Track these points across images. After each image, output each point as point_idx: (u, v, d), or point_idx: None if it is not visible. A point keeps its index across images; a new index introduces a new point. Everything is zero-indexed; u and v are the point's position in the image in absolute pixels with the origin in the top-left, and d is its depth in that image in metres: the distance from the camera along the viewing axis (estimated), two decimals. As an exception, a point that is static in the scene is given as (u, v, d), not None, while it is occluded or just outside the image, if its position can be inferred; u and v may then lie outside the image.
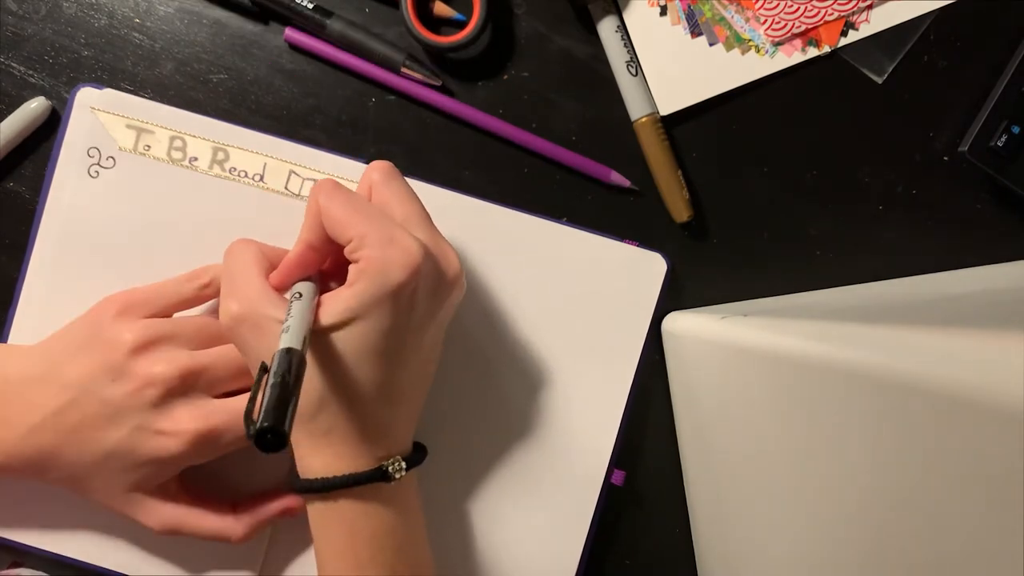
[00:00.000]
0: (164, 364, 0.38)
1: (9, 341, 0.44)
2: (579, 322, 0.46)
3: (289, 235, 0.44)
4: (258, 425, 0.28)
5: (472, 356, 0.46)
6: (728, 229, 0.48)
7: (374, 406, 0.36)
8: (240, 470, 0.44)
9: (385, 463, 0.37)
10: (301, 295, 0.35)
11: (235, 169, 0.44)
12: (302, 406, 0.35)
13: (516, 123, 0.47)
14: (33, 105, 0.45)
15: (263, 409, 0.29)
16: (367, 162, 0.45)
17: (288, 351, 0.31)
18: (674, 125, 0.48)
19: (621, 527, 0.48)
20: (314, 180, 0.44)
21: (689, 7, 0.47)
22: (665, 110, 0.47)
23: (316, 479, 0.36)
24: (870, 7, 0.46)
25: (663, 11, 0.47)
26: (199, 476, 0.41)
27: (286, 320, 0.33)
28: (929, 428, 0.26)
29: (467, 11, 0.46)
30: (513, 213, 0.46)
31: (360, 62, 0.46)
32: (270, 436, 0.28)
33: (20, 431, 0.38)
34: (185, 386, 0.38)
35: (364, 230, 0.35)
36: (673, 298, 0.48)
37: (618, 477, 0.46)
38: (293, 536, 0.45)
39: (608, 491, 0.46)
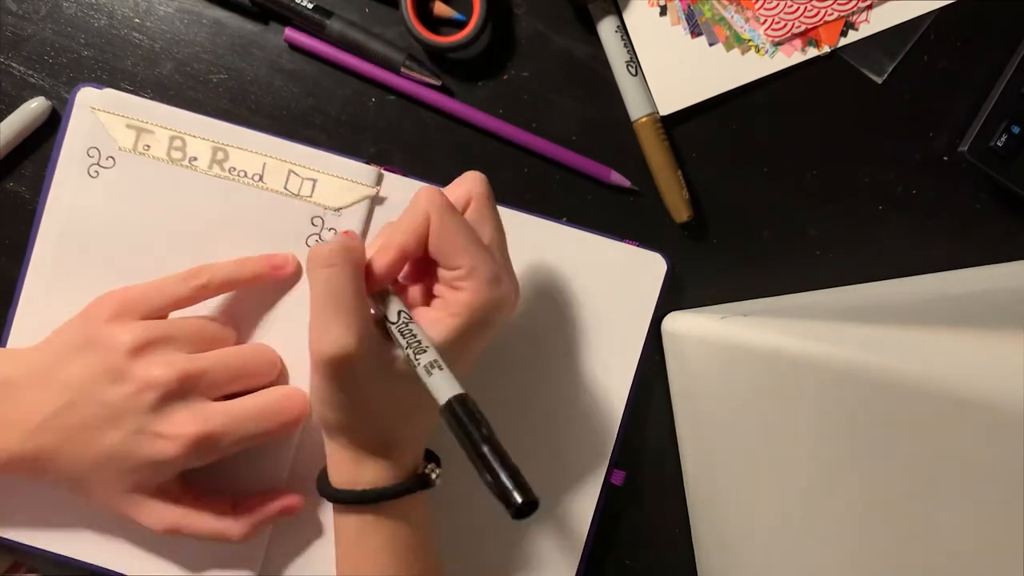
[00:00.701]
0: (163, 367, 0.38)
1: (9, 341, 0.44)
2: (579, 322, 0.46)
3: (289, 235, 0.44)
4: (520, 504, 0.30)
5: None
6: (728, 229, 0.48)
7: (418, 420, 0.38)
8: (239, 470, 0.44)
9: (424, 470, 0.39)
10: (403, 318, 0.35)
11: (235, 169, 0.44)
12: (366, 425, 0.37)
13: (516, 123, 0.47)
14: (33, 105, 0.45)
15: (510, 488, 0.30)
16: (367, 162, 0.45)
17: (463, 400, 0.32)
18: (674, 125, 0.48)
19: (621, 527, 0.48)
20: (313, 180, 0.44)
21: (689, 7, 0.47)
22: (665, 110, 0.47)
23: (369, 490, 0.37)
24: (870, 7, 0.46)
25: (663, 11, 0.47)
26: (199, 476, 0.41)
27: (424, 365, 0.33)
28: (929, 428, 0.26)
29: (467, 11, 0.46)
30: (513, 213, 0.46)
31: (360, 62, 0.46)
32: (528, 508, 0.30)
33: (20, 432, 0.38)
34: (184, 389, 0.38)
35: (475, 263, 0.35)
36: (673, 298, 0.48)
37: (618, 477, 0.46)
38: (293, 536, 0.45)
39: (608, 491, 0.46)
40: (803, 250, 0.48)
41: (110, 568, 0.44)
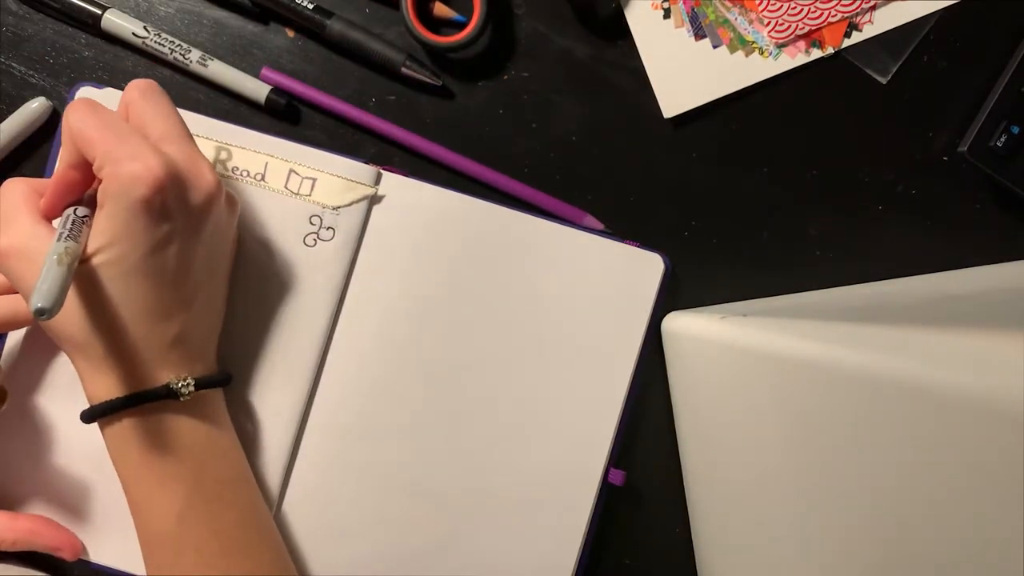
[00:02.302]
0: None
1: (8, 342, 0.44)
2: (577, 321, 0.46)
3: (287, 233, 0.44)
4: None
5: (471, 355, 0.46)
6: (728, 229, 0.48)
7: (150, 326, 0.37)
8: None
9: (173, 382, 0.37)
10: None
11: (237, 168, 0.44)
12: (74, 333, 0.36)
13: (516, 123, 0.47)
14: (34, 105, 0.45)
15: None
16: (367, 162, 0.45)
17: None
18: (675, 124, 0.48)
19: (621, 527, 0.48)
20: (313, 179, 0.44)
21: (692, 9, 0.47)
22: (669, 113, 0.47)
23: (99, 404, 0.37)
24: (873, 8, 0.46)
25: (667, 14, 0.47)
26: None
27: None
28: (929, 428, 0.26)
29: (467, 12, 0.46)
30: (513, 213, 0.46)
31: (337, 102, 0.46)
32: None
33: None
34: None
35: (108, 147, 0.35)
36: (672, 298, 0.48)
37: (617, 477, 0.46)
38: (293, 536, 0.45)
39: (607, 491, 0.46)
40: (803, 250, 0.48)
41: (108, 565, 0.44)
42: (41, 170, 0.45)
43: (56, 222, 0.37)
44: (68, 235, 0.34)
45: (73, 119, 0.36)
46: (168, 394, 0.37)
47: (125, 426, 0.37)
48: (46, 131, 0.46)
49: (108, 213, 0.35)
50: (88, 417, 0.37)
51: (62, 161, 0.37)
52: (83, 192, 0.38)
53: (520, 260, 0.46)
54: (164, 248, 0.36)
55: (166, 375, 0.38)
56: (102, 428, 0.38)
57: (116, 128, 0.36)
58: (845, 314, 0.39)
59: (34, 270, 0.34)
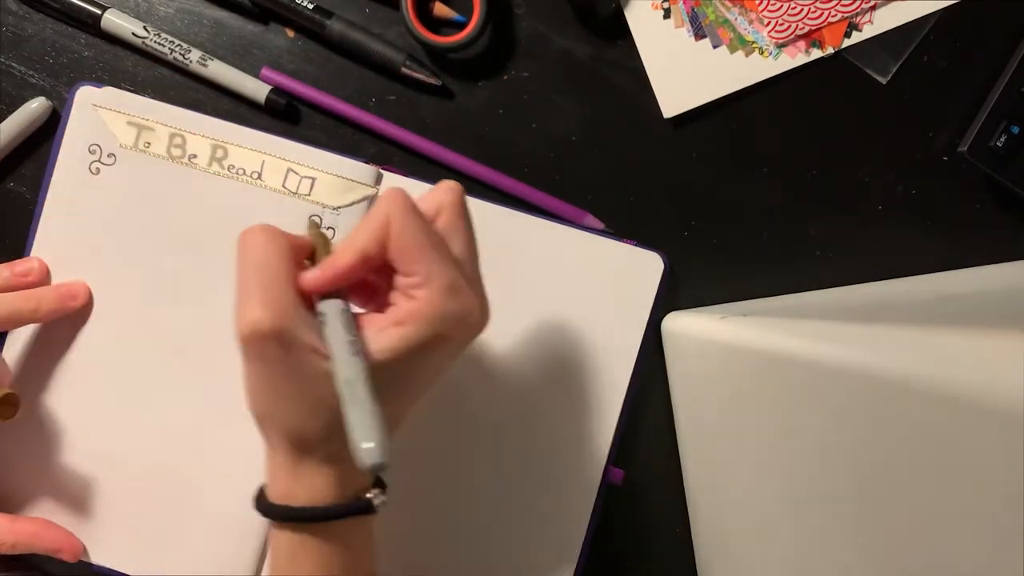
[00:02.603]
0: None
1: (9, 338, 0.44)
2: (577, 320, 0.46)
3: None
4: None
5: (470, 355, 0.46)
6: (728, 229, 0.48)
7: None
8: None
9: (367, 494, 0.35)
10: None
11: (233, 167, 0.44)
12: (320, 429, 0.33)
13: (516, 123, 0.47)
14: (34, 105, 0.45)
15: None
16: (367, 162, 0.45)
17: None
18: (675, 124, 0.48)
19: (620, 527, 0.48)
20: (312, 178, 0.44)
21: (693, 10, 0.47)
22: (669, 113, 0.47)
23: (301, 508, 0.34)
24: (873, 8, 0.46)
25: (667, 14, 0.47)
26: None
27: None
28: (929, 428, 0.26)
29: (467, 11, 0.46)
30: (513, 212, 0.46)
31: (335, 101, 0.46)
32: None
33: None
34: None
35: (432, 270, 0.32)
36: (672, 298, 0.48)
37: (617, 476, 0.46)
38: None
39: (607, 490, 0.46)
40: (803, 250, 0.48)
41: (106, 566, 0.44)
42: (41, 170, 0.45)
43: (330, 315, 0.32)
44: (355, 350, 0.31)
45: (398, 220, 0.32)
46: (367, 508, 0.35)
47: (308, 537, 0.34)
48: (46, 131, 0.46)
49: (408, 336, 0.32)
50: (295, 518, 0.34)
51: (359, 250, 0.32)
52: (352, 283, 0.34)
53: (520, 259, 0.46)
54: (428, 376, 0.35)
55: (358, 488, 0.35)
56: (275, 525, 0.35)
57: (441, 252, 0.33)
58: (845, 314, 0.39)
59: (291, 371, 0.31)
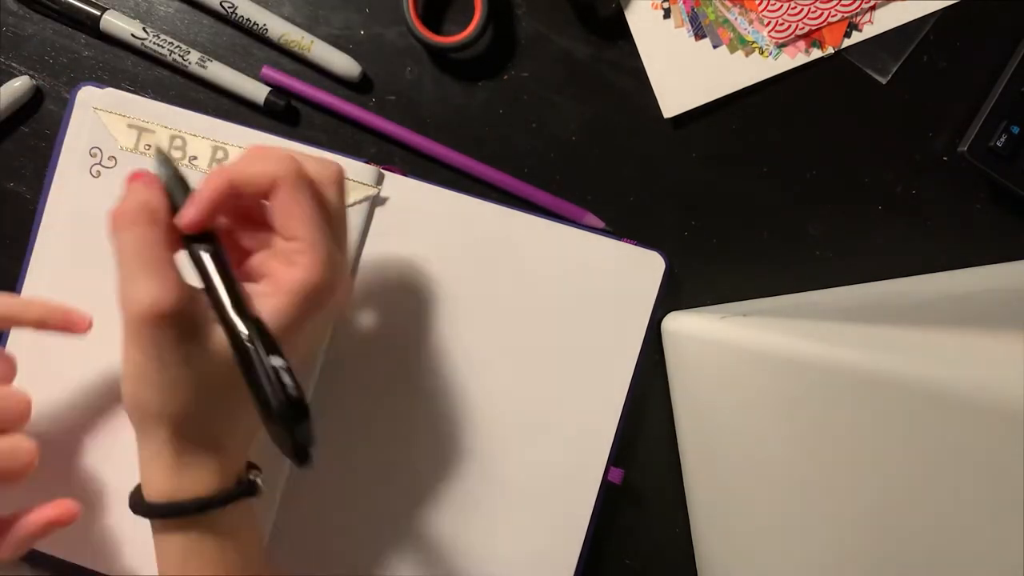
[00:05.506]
0: None
1: (9, 342, 0.44)
2: (577, 320, 0.46)
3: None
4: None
5: (470, 355, 0.46)
6: (728, 229, 0.48)
7: (241, 418, 0.34)
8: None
9: (250, 476, 0.35)
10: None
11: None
12: (188, 414, 0.32)
13: (516, 123, 0.47)
14: (16, 84, 0.45)
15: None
16: (367, 162, 0.45)
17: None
18: (675, 124, 0.48)
19: (620, 527, 0.48)
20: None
21: (692, 9, 0.47)
22: (669, 113, 0.47)
23: (191, 500, 0.32)
24: (873, 8, 0.46)
25: (667, 14, 0.47)
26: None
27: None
28: (928, 428, 0.26)
29: (468, 12, 0.46)
30: (514, 212, 0.46)
31: (339, 101, 0.46)
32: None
33: None
34: None
35: (317, 238, 0.32)
36: (672, 298, 0.48)
37: (616, 475, 0.46)
38: (292, 537, 0.45)
39: (607, 490, 0.46)
40: (803, 250, 0.48)
41: (104, 571, 0.44)
42: (41, 170, 0.45)
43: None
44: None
45: (289, 180, 0.32)
46: (250, 490, 0.34)
47: (198, 535, 0.33)
48: (28, 110, 0.46)
49: (284, 308, 0.31)
50: (176, 512, 0.33)
51: (229, 181, 0.32)
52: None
53: (519, 259, 0.46)
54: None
55: (237, 471, 0.34)
56: (159, 528, 0.33)
57: (325, 219, 0.33)
58: (845, 314, 0.39)
59: (189, 351, 0.30)
